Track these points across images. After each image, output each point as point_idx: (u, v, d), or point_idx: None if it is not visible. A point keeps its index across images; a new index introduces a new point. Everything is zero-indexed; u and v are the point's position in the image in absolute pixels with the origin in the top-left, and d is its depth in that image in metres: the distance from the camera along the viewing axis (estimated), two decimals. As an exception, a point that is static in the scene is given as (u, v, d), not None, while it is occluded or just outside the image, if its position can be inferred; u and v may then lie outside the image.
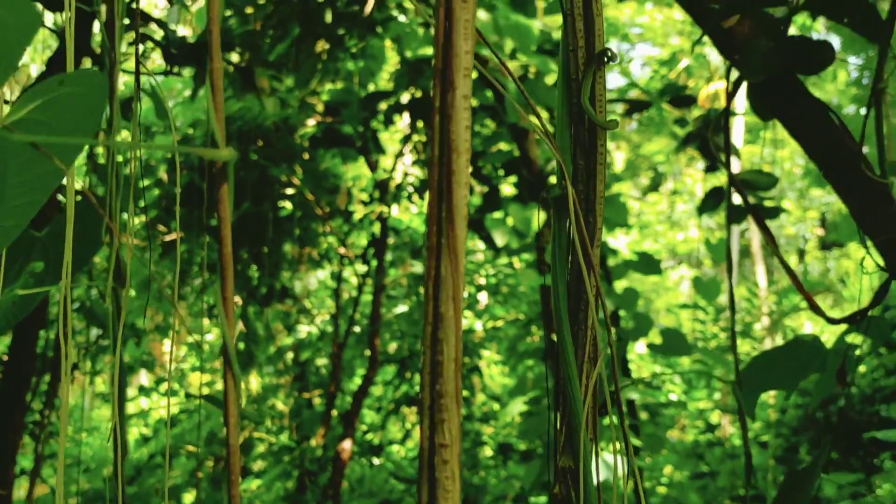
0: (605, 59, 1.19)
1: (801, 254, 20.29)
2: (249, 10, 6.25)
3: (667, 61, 14.40)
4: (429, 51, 6.38)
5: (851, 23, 1.68)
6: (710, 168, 5.90)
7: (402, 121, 7.87)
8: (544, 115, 6.07)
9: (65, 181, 1.24)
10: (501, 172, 6.30)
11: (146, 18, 2.78)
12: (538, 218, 5.47)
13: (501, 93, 5.54)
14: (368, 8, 6.09)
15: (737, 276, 14.30)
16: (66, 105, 1.08)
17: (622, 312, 5.60)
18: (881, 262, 1.82)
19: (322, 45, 6.53)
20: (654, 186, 18.85)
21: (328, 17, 6.32)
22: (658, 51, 18.87)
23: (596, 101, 1.20)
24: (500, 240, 5.73)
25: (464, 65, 0.66)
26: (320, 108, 7.16)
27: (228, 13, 6.37)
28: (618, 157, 20.41)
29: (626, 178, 19.72)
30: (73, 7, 1.64)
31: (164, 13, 7.58)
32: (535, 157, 5.60)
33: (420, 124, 7.03)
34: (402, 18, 6.45)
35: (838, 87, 12.71)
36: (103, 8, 2.08)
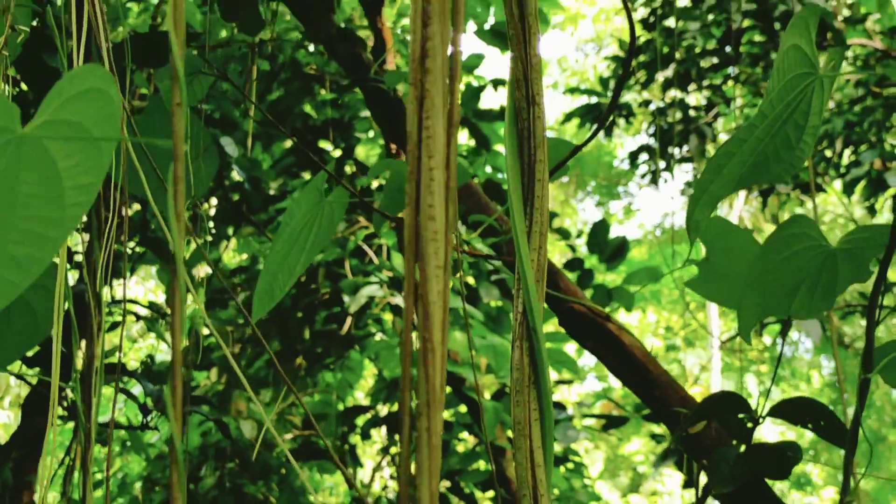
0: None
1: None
2: (230, 329, 6.37)
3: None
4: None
5: (815, 429, 1.71)
6: (689, 483, 5.88)
7: (381, 433, 7.84)
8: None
9: None
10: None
11: (123, 372, 2.84)
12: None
13: (478, 411, 5.58)
14: (346, 327, 6.22)
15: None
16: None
17: None
18: None
19: (300, 360, 6.61)
20: (635, 487, 18.65)
21: (306, 335, 6.45)
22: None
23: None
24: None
25: None
26: (297, 421, 7.16)
27: (206, 332, 6.49)
28: (597, 456, 20.27)
29: (606, 478, 19.52)
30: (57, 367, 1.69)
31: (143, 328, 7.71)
32: (512, 477, 5.56)
33: (398, 437, 7.02)
34: (380, 335, 6.56)
35: (813, 388, 12.89)
36: (80, 358, 2.13)
